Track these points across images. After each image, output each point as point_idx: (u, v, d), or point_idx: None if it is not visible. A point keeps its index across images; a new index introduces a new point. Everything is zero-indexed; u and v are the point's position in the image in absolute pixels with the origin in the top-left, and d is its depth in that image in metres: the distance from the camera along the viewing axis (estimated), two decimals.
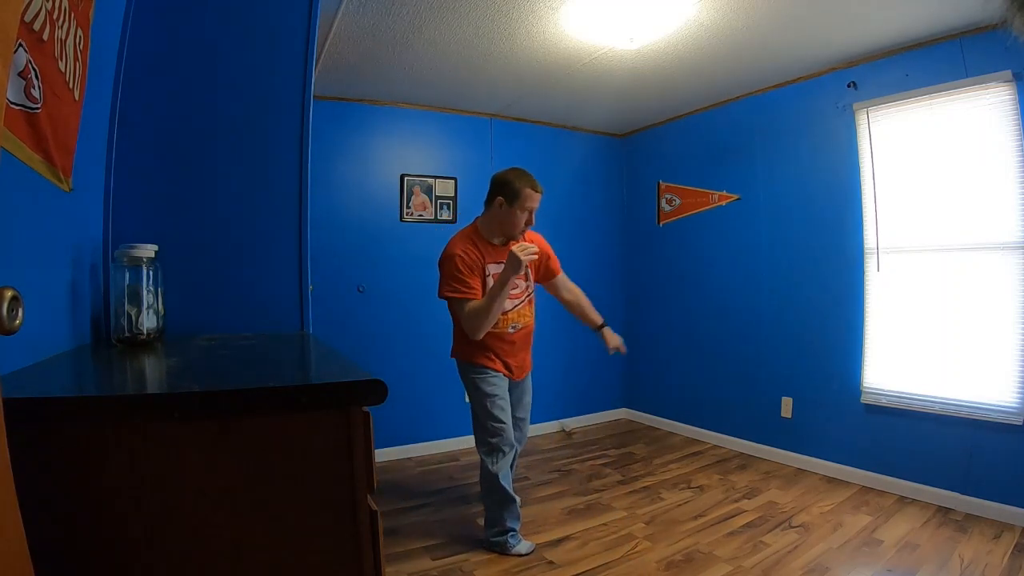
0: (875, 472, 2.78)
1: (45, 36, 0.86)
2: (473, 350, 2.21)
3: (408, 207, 3.55)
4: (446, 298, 2.17)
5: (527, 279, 2.27)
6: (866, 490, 2.74)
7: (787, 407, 3.23)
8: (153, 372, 0.95)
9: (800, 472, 3.05)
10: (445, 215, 3.66)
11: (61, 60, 0.94)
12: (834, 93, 2.97)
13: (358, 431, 0.73)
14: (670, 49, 2.74)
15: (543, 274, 2.38)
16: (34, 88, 0.83)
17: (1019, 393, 2.31)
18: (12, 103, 0.77)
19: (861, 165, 2.86)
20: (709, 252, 3.73)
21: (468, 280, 2.12)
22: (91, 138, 1.21)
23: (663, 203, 4.08)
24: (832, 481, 2.89)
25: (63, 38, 0.94)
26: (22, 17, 0.75)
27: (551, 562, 2.11)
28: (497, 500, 2.19)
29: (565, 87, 3.30)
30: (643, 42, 2.60)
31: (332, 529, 0.72)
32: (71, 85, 1.02)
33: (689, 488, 2.87)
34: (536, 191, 2.16)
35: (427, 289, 3.60)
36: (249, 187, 1.54)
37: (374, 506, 0.75)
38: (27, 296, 0.62)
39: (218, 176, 1.51)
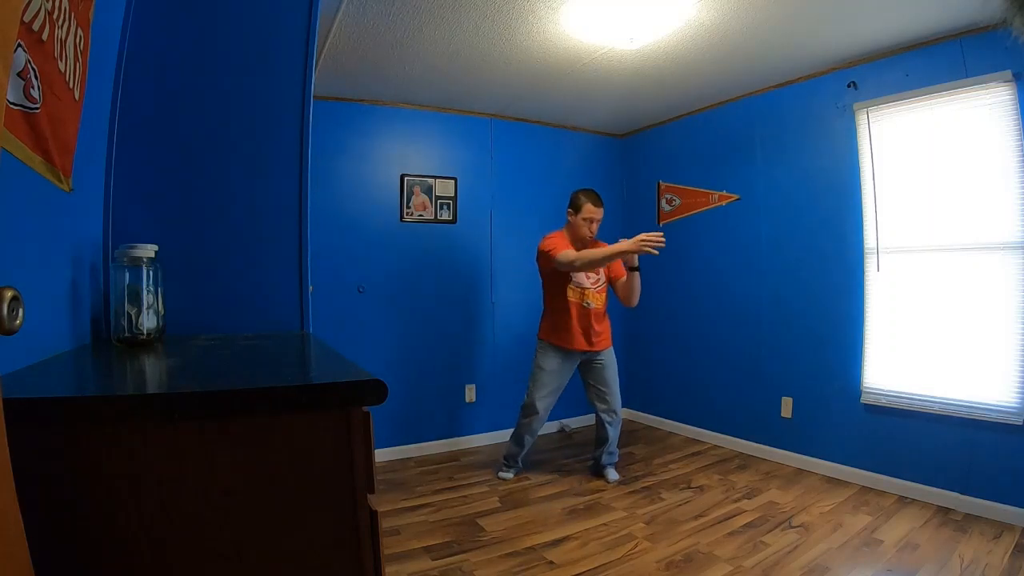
0: (875, 472, 2.78)
1: (45, 36, 0.86)
2: (547, 328, 2.97)
3: (408, 207, 3.55)
4: (553, 261, 2.72)
5: (600, 273, 2.93)
6: (866, 490, 2.75)
7: (787, 407, 3.23)
8: (153, 372, 0.95)
9: (800, 472, 3.06)
10: (445, 215, 3.66)
11: (61, 60, 0.94)
12: (834, 93, 2.97)
13: (358, 431, 0.73)
14: (670, 49, 2.74)
15: (614, 274, 3.00)
16: (33, 88, 0.83)
17: (1019, 393, 2.31)
18: (11, 103, 0.77)
19: (861, 165, 2.86)
20: (709, 252, 3.73)
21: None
22: (91, 138, 1.21)
23: (663, 203, 4.08)
24: (832, 481, 2.89)
25: (63, 38, 0.94)
26: (21, 17, 0.75)
27: (551, 562, 2.11)
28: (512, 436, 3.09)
29: (565, 87, 3.30)
30: (643, 42, 2.60)
31: (332, 529, 0.72)
32: (71, 85, 1.02)
33: (689, 488, 2.88)
34: (596, 206, 2.83)
35: (427, 289, 3.61)
36: (249, 187, 1.54)
37: (374, 506, 0.75)
38: (27, 296, 0.62)
39: (218, 176, 1.51)
